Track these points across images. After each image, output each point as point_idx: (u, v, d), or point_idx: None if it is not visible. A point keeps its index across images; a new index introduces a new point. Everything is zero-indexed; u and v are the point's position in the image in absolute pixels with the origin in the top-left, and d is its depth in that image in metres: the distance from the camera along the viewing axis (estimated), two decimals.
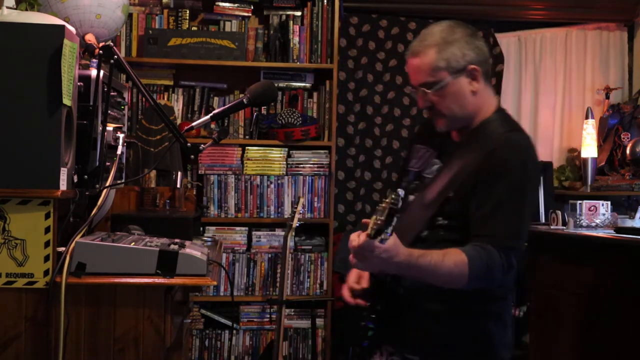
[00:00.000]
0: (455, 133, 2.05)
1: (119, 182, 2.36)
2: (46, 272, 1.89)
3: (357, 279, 2.03)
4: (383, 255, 1.68)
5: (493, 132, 1.96)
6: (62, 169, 1.90)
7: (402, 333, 2.00)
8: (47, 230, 1.89)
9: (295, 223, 3.79)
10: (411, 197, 2.03)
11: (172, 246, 2.00)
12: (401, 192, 1.57)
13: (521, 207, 1.91)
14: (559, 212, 2.77)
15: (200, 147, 2.17)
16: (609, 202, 2.76)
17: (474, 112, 1.99)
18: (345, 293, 2.02)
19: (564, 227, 2.73)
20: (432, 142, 2.09)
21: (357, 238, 1.68)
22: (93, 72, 2.15)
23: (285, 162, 4.17)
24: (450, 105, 1.96)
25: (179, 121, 4.16)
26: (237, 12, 4.24)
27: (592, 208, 2.70)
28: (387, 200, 1.57)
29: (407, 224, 1.89)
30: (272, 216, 4.17)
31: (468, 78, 1.96)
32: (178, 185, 3.19)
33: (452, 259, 1.80)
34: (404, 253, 1.73)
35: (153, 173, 3.74)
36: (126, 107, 2.60)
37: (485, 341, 1.97)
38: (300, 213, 3.83)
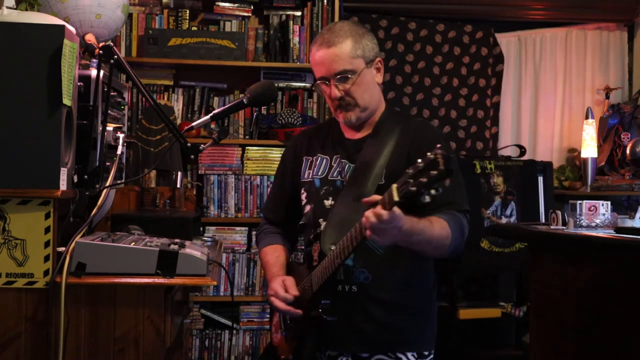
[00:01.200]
0: (350, 131, 2.10)
1: (119, 182, 2.36)
2: (46, 272, 1.89)
3: (284, 287, 2.02)
4: (399, 224, 1.69)
5: (400, 120, 2.07)
6: (62, 169, 1.90)
7: (352, 331, 2.02)
8: (47, 230, 1.89)
9: None
10: (327, 202, 2.06)
11: (172, 246, 2.00)
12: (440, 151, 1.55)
13: (460, 175, 2.05)
14: (559, 212, 2.76)
15: (200, 147, 2.17)
16: (609, 202, 2.75)
17: (377, 104, 2.09)
18: (280, 304, 2.01)
19: (564, 227, 2.72)
20: (323, 149, 2.14)
21: (372, 214, 1.67)
22: (93, 72, 2.15)
23: None
24: (363, 95, 2.02)
25: (179, 121, 4.16)
26: (237, 12, 4.24)
27: (592, 208, 2.70)
28: (430, 157, 1.55)
29: (344, 222, 1.91)
30: None
31: (375, 70, 2.05)
32: (178, 185, 3.19)
33: (438, 224, 1.87)
34: (408, 221, 1.75)
35: (153, 173, 3.74)
36: (126, 107, 2.60)
37: (430, 329, 2.11)
38: None
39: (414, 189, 1.55)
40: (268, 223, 2.31)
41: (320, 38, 2.03)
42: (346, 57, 1.98)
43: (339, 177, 2.07)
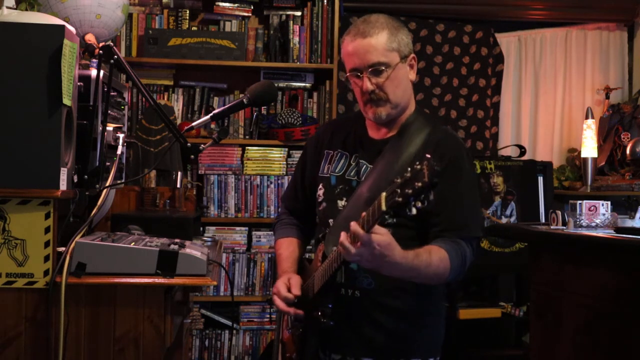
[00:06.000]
0: (375, 130, 2.04)
1: (119, 182, 2.36)
2: (46, 272, 1.89)
3: (287, 286, 1.98)
4: (376, 251, 1.64)
5: (425, 126, 1.99)
6: (62, 169, 1.90)
7: (356, 336, 1.98)
8: (47, 230, 1.89)
9: None
10: (341, 203, 2.01)
11: (172, 246, 2.00)
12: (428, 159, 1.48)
13: (477, 198, 1.98)
14: (559, 212, 2.76)
15: (200, 147, 2.17)
16: (609, 202, 2.75)
17: (408, 102, 2.01)
18: (280, 303, 1.96)
19: (564, 227, 2.72)
20: (344, 145, 2.08)
21: (344, 237, 1.65)
22: (93, 72, 2.16)
23: (285, 162, 4.17)
24: (396, 90, 1.94)
25: (179, 121, 4.16)
26: (237, 12, 4.24)
27: (592, 208, 2.70)
28: (417, 167, 1.47)
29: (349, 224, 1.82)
30: (272, 216, 4.16)
31: (409, 66, 1.99)
32: (178, 185, 3.19)
33: (437, 256, 1.83)
34: (399, 254, 1.70)
35: (153, 173, 3.73)
36: (126, 107, 2.60)
37: (436, 336, 2.06)
38: None
39: (400, 199, 1.48)
40: (286, 212, 2.26)
41: (355, 29, 1.94)
42: (381, 49, 1.91)
43: (355, 178, 2.01)
